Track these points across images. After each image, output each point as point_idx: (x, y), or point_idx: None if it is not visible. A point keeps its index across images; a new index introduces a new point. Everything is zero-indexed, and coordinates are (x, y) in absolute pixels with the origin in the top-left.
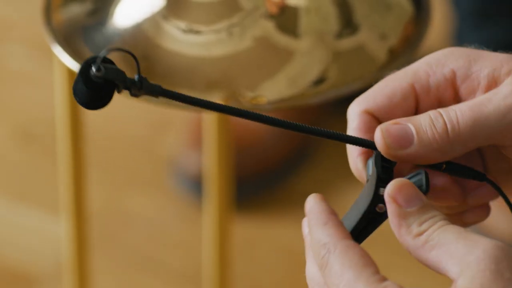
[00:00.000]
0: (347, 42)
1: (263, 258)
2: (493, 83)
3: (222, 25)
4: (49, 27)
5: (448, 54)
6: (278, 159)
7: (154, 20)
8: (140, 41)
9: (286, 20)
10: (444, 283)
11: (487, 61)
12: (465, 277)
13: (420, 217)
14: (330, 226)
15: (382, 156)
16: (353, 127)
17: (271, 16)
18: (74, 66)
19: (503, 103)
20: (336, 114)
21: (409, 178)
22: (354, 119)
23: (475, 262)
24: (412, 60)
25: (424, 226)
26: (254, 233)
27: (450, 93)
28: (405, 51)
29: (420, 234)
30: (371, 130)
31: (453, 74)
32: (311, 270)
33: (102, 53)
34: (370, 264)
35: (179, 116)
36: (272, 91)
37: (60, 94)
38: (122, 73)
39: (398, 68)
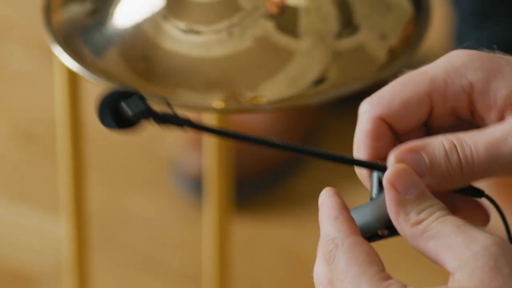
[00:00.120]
0: (347, 42)
1: (263, 258)
2: (509, 106)
3: (222, 25)
4: (49, 27)
5: (467, 62)
6: (278, 159)
7: (154, 20)
8: (140, 41)
9: (286, 20)
10: (446, 283)
11: (506, 79)
12: (463, 272)
13: (419, 205)
14: (341, 220)
15: None
16: (365, 130)
17: (271, 16)
18: (74, 66)
19: None
20: (336, 114)
21: None
22: (367, 123)
23: (474, 258)
24: (412, 60)
25: (422, 215)
26: (254, 233)
27: (465, 104)
28: (405, 51)
29: (419, 223)
30: (382, 138)
31: (471, 88)
32: (318, 261)
33: (136, 95)
34: (376, 262)
35: None
36: (272, 91)
37: (60, 94)
38: (155, 113)
39: (400, 68)
